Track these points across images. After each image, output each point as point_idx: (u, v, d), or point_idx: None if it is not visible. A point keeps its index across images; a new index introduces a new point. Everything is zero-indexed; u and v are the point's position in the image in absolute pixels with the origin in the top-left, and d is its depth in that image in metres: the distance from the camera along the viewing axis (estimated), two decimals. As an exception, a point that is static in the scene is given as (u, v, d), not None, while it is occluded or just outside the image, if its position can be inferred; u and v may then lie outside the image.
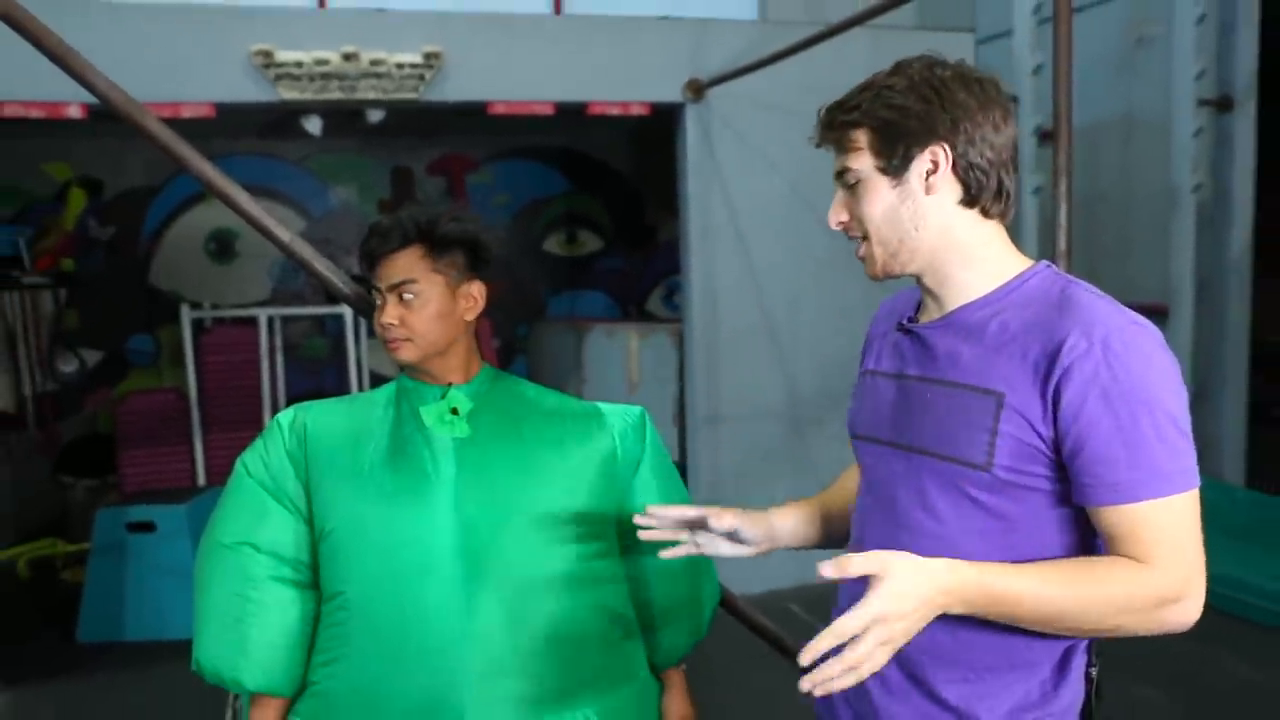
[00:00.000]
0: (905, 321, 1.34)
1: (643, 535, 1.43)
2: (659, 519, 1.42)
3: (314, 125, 4.95)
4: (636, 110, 4.71)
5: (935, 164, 1.22)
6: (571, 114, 4.72)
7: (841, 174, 1.27)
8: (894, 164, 1.22)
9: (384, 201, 7.22)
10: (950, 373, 1.24)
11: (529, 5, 4.92)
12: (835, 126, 1.26)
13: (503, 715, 1.46)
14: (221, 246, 6.95)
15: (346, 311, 6.27)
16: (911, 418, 1.27)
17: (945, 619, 1.12)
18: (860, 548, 1.24)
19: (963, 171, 1.22)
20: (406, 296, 1.53)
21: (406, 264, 1.54)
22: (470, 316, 1.59)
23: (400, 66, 4.30)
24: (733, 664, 4.07)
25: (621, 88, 4.65)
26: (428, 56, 4.32)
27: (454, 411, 1.57)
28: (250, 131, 6.44)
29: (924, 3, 4.69)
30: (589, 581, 1.56)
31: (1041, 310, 1.19)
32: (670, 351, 5.43)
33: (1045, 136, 5.80)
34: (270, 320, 6.38)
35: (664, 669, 1.71)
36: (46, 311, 6.66)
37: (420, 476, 1.51)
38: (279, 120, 5.49)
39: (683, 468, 5.17)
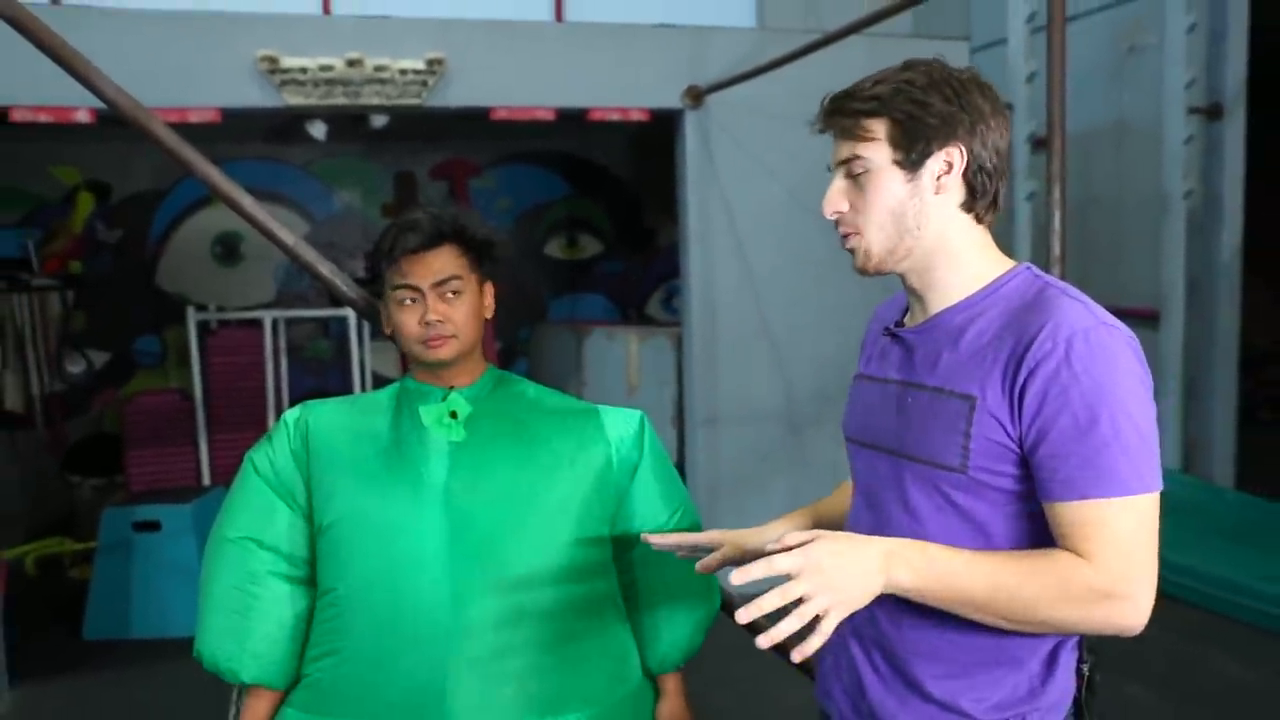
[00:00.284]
0: (892, 326, 1.35)
1: (655, 546, 1.43)
2: (665, 547, 1.42)
3: (318, 130, 5.01)
4: (636, 116, 4.75)
5: (949, 165, 1.22)
6: (572, 120, 4.77)
7: (847, 161, 1.24)
8: (911, 159, 1.21)
9: (387, 206, 7.27)
10: (929, 377, 1.25)
11: (531, 13, 4.97)
12: (848, 113, 1.23)
13: (494, 713, 1.46)
14: (227, 250, 7.00)
15: (350, 314, 6.29)
16: (895, 422, 1.28)
17: (930, 618, 1.13)
18: None
19: (971, 175, 1.22)
20: (450, 294, 1.53)
21: (448, 261, 1.54)
22: (489, 315, 1.61)
23: (404, 72, 4.34)
24: (732, 665, 4.11)
25: (622, 94, 4.70)
26: (431, 63, 4.37)
27: (452, 415, 1.57)
28: (255, 136, 6.50)
29: (920, 11, 4.74)
30: (583, 584, 1.55)
31: (1017, 313, 1.20)
32: (669, 354, 5.48)
33: (1039, 143, 5.87)
34: (275, 322, 6.42)
35: (660, 674, 1.69)
36: (55, 313, 6.70)
37: (414, 475, 1.51)
38: (284, 125, 5.54)
39: (681, 469, 5.20)
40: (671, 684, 1.70)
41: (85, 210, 6.71)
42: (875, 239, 1.24)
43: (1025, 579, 1.13)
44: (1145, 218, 5.98)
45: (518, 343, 7.57)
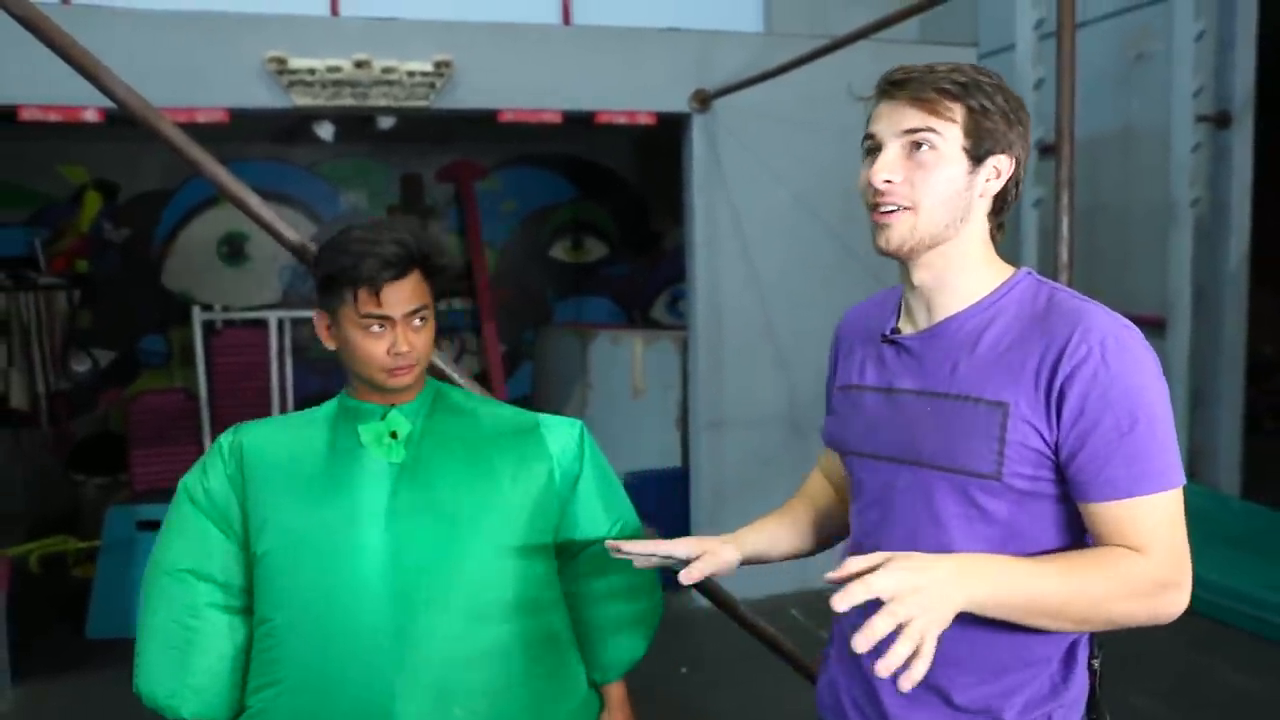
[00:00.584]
0: (889, 333, 1.33)
1: (623, 554, 1.39)
2: (630, 555, 1.38)
3: (326, 131, 5.03)
4: (643, 120, 4.76)
5: (998, 171, 1.24)
6: (579, 123, 4.77)
7: (916, 132, 1.21)
8: (978, 153, 1.22)
9: (392, 207, 7.28)
10: (948, 385, 1.24)
11: (538, 16, 4.97)
12: (934, 87, 1.20)
13: None
14: (233, 249, 7.01)
15: (354, 315, 6.29)
16: (912, 431, 1.27)
17: (958, 625, 1.13)
18: None
19: (1008, 188, 1.26)
20: (418, 322, 1.49)
21: (417, 289, 1.48)
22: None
23: (411, 74, 4.35)
24: (734, 668, 4.11)
25: (628, 97, 4.71)
26: (438, 65, 4.38)
27: (393, 435, 1.53)
28: (263, 137, 6.51)
29: (927, 17, 4.73)
30: (528, 605, 1.53)
31: (1035, 318, 1.21)
32: (674, 358, 5.46)
33: (1046, 150, 5.85)
34: (280, 322, 6.41)
35: (604, 685, 1.68)
36: (61, 312, 6.71)
37: (352, 498, 1.48)
38: (291, 126, 5.56)
39: (685, 473, 5.22)
40: (616, 694, 1.69)
41: (92, 209, 6.72)
42: (930, 217, 1.22)
43: (1091, 579, 1.15)
44: (1152, 225, 5.98)
45: (522, 345, 7.57)
